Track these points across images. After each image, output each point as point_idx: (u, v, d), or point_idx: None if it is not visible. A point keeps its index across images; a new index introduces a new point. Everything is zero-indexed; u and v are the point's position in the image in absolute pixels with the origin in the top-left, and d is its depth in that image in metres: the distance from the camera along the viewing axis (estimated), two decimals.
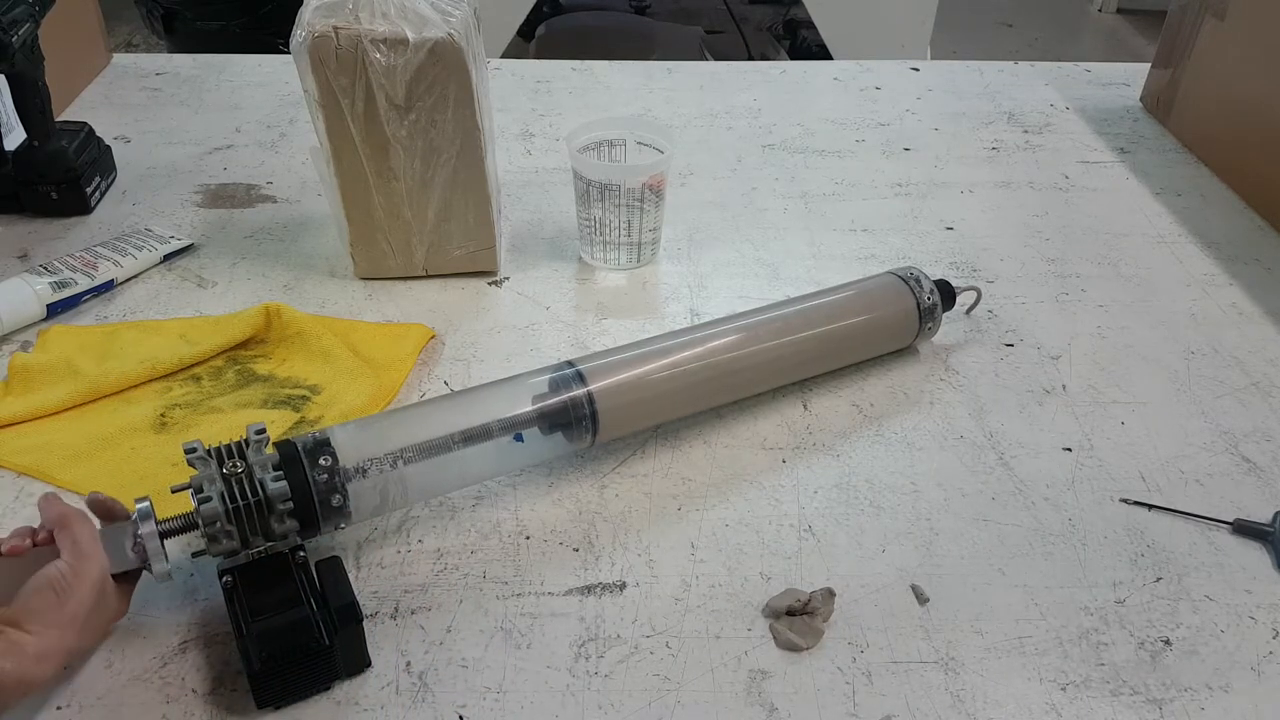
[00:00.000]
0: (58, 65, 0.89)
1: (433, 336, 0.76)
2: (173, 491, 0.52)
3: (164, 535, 0.50)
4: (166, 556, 0.50)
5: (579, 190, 0.81)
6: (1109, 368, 0.75)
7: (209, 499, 0.50)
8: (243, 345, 0.74)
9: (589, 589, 0.57)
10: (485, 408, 0.59)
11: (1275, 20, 0.92)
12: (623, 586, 0.57)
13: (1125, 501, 0.63)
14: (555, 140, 1.04)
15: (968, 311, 0.80)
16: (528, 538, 0.60)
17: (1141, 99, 1.16)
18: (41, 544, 0.50)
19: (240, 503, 0.50)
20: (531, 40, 1.99)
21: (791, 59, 2.04)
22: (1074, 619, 0.56)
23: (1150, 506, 0.63)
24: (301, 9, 0.71)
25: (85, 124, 0.91)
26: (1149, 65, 1.16)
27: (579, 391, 0.61)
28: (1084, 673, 0.53)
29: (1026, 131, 1.09)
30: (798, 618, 0.54)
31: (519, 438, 0.60)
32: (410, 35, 0.69)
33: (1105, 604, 0.57)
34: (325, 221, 0.89)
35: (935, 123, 1.11)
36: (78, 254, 0.80)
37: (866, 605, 0.56)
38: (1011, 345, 0.77)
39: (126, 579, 0.52)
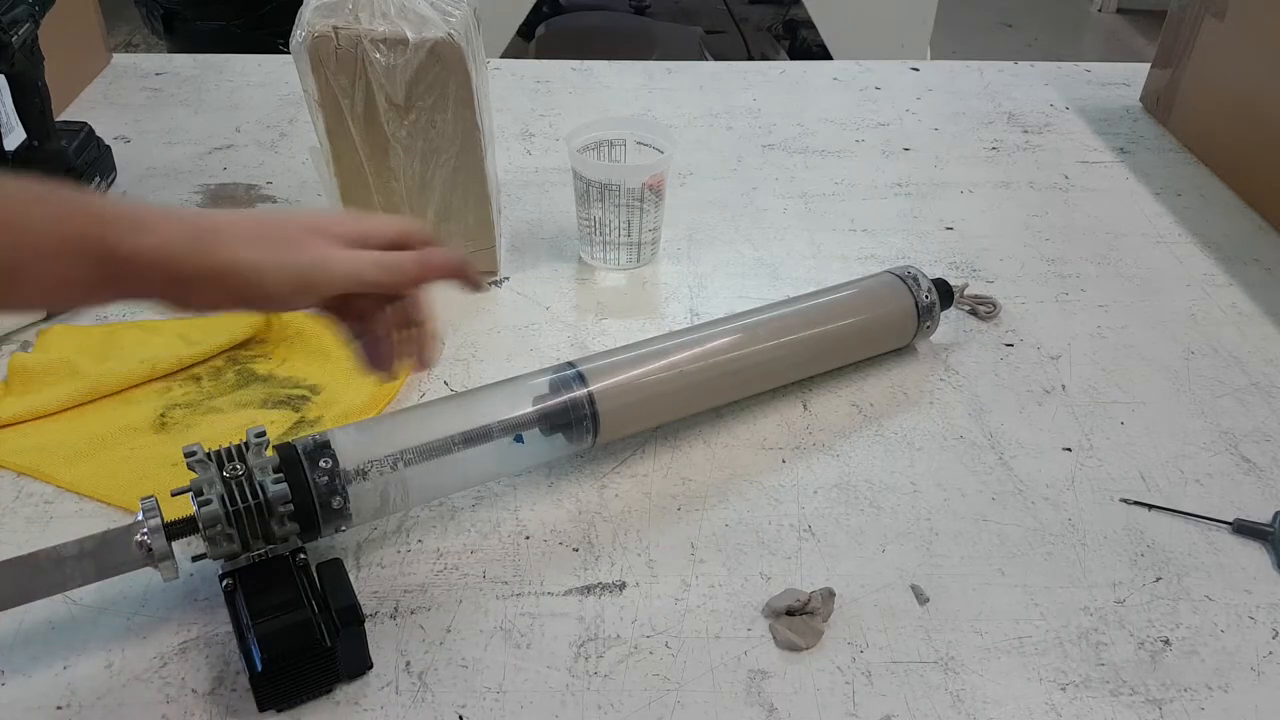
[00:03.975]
0: (58, 65, 0.89)
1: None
2: (173, 495, 0.52)
3: (165, 538, 0.50)
4: (174, 555, 0.50)
5: (579, 190, 0.81)
6: (1109, 368, 0.75)
7: (209, 502, 0.50)
8: (243, 345, 0.74)
9: (589, 589, 0.57)
10: (485, 409, 0.59)
11: (1275, 20, 0.92)
12: (622, 586, 0.57)
13: (1125, 501, 0.63)
14: (555, 140, 1.04)
15: (969, 310, 0.80)
16: (527, 538, 0.60)
17: (1141, 99, 1.16)
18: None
19: (240, 505, 0.50)
20: (531, 40, 1.99)
21: (791, 59, 2.04)
22: (1074, 619, 0.56)
23: (1150, 506, 0.63)
24: (301, 9, 0.71)
25: (85, 124, 0.91)
26: (1149, 65, 1.15)
27: (580, 392, 0.61)
28: (1084, 673, 0.53)
29: (1026, 131, 1.09)
30: (797, 618, 0.54)
31: (519, 439, 0.60)
32: (410, 35, 0.69)
33: (1105, 604, 0.57)
34: None
35: (935, 123, 1.11)
36: None
37: (866, 605, 0.56)
38: (1011, 345, 0.77)
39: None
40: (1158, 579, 0.58)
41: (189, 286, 0.44)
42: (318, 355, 0.72)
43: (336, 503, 0.53)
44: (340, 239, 0.48)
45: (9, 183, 0.41)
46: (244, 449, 0.53)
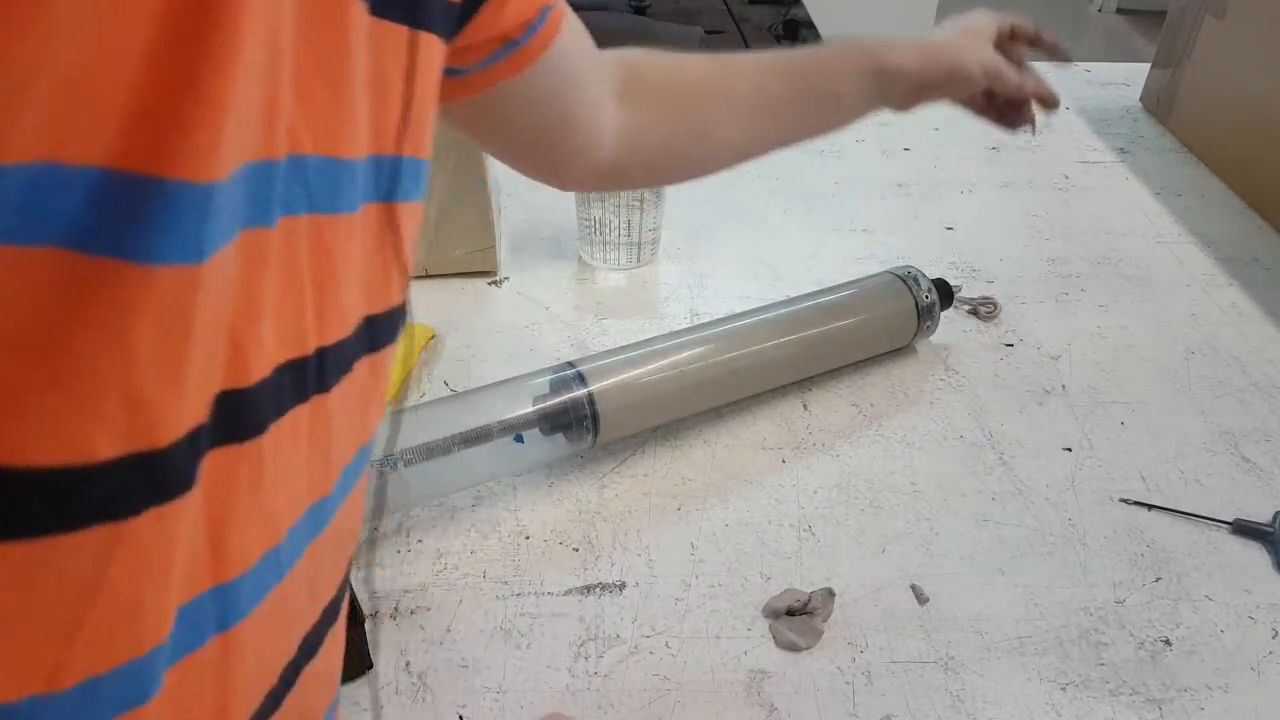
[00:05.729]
0: None
1: (433, 336, 0.76)
2: None
3: None
4: None
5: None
6: (1109, 368, 0.75)
7: None
8: None
9: (589, 589, 0.57)
10: (486, 409, 0.59)
11: (1275, 20, 0.92)
12: (622, 586, 0.57)
13: (1125, 501, 0.63)
14: None
15: (969, 310, 0.80)
16: (528, 538, 0.60)
17: (1141, 99, 1.16)
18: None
19: None
20: None
21: None
22: (1074, 619, 0.56)
23: (1150, 506, 0.63)
24: None
25: None
26: (1149, 65, 1.16)
27: (580, 392, 0.61)
28: (1084, 673, 0.53)
29: None
30: (797, 618, 0.54)
31: (519, 439, 0.60)
32: None
33: (1105, 604, 0.57)
34: None
35: (935, 123, 1.11)
36: None
37: (866, 605, 0.56)
38: (1011, 345, 0.77)
39: None
40: (1158, 579, 0.58)
41: (927, 85, 0.61)
42: None
43: None
44: (989, 39, 0.65)
45: (826, 49, 0.62)
46: None
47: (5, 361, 0.20)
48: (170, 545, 0.24)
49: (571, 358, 0.65)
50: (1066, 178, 1.01)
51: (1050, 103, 0.66)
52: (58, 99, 0.19)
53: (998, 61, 0.63)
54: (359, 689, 0.51)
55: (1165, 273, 0.86)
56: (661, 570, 0.58)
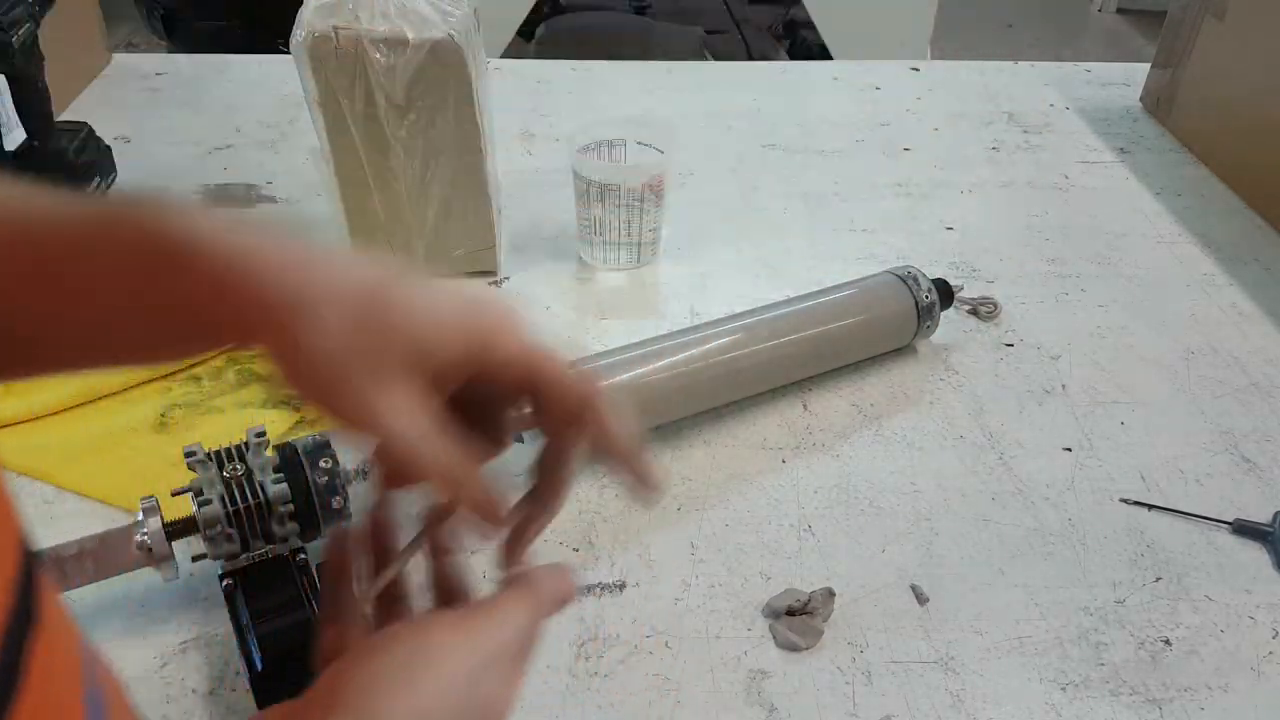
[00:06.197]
0: (58, 65, 0.89)
1: None
2: (173, 495, 0.52)
3: (166, 538, 0.50)
4: (174, 556, 0.50)
5: (579, 190, 0.81)
6: (1109, 368, 0.75)
7: (209, 502, 0.50)
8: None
9: (589, 589, 0.57)
10: None
11: (1275, 20, 0.92)
12: (622, 586, 0.57)
13: (1125, 501, 0.63)
14: (555, 140, 1.04)
15: (969, 310, 0.80)
16: None
17: (1141, 99, 1.16)
18: None
19: (241, 505, 0.50)
20: (531, 40, 1.99)
21: (791, 59, 2.04)
22: (1074, 619, 0.56)
23: (1150, 506, 0.63)
24: (301, 9, 0.71)
25: (85, 124, 0.91)
26: (1149, 65, 1.15)
27: None
28: (1084, 673, 0.53)
29: (1026, 131, 1.09)
30: (797, 618, 0.54)
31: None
32: (410, 35, 0.69)
33: (1105, 604, 0.57)
34: (326, 222, 0.89)
35: (935, 123, 1.11)
36: None
37: (866, 605, 0.56)
38: (1011, 345, 0.77)
39: None
40: (1158, 579, 0.58)
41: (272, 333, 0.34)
42: None
43: (337, 502, 0.53)
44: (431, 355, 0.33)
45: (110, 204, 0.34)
46: (244, 449, 0.53)
47: None
48: None
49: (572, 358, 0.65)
50: (1066, 178, 1.01)
51: (507, 559, 0.41)
52: None
53: (409, 420, 0.33)
54: None
55: (1165, 273, 0.86)
56: (661, 570, 0.58)
